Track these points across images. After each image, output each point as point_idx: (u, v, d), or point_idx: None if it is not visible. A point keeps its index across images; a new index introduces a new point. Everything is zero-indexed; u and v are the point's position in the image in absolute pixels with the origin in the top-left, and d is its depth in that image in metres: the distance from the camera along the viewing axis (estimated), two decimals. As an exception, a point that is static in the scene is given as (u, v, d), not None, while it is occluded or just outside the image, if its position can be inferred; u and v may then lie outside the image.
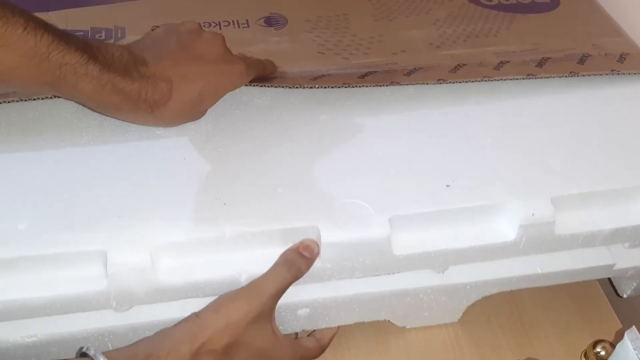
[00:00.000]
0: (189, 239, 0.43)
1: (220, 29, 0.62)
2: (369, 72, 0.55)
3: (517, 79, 0.54)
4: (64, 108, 0.51)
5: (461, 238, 0.46)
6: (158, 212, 0.44)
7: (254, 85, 0.53)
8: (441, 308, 0.51)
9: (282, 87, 0.53)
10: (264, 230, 0.44)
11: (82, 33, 0.61)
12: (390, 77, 0.54)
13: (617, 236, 0.47)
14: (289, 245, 0.44)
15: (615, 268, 0.50)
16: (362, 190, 0.46)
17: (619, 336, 0.42)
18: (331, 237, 0.44)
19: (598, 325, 0.54)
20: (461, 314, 0.52)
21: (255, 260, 0.44)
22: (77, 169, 0.47)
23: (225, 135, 0.50)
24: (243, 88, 0.52)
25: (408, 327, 0.53)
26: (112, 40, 0.60)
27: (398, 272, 0.47)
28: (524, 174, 0.47)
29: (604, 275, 0.52)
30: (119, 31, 0.62)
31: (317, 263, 0.44)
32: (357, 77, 0.54)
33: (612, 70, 0.55)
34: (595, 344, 0.49)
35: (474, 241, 0.46)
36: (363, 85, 0.53)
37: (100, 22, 0.62)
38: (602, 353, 0.48)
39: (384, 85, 0.53)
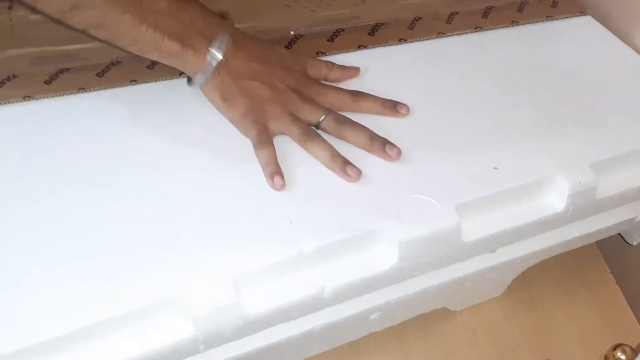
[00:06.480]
0: (266, 263, 0.41)
1: None
2: (337, 30, 0.60)
3: (467, 33, 0.61)
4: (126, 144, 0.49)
5: (518, 216, 0.47)
6: (227, 243, 0.42)
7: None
8: (491, 285, 0.53)
9: None
10: (337, 240, 0.42)
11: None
12: (357, 39, 0.59)
13: (644, 191, 0.51)
14: (364, 251, 0.44)
15: (636, 220, 0.55)
16: (417, 185, 0.46)
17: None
18: (405, 235, 0.43)
19: (619, 330, 0.55)
20: (507, 287, 0.55)
21: (333, 273, 0.43)
22: (129, 209, 0.43)
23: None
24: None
25: (459, 309, 0.54)
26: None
27: (462, 260, 0.48)
28: (558, 146, 0.50)
29: (627, 227, 0.56)
30: None
31: (393, 264, 0.44)
32: (327, 40, 0.59)
33: (547, 17, 0.63)
34: (615, 348, 0.47)
35: (530, 217, 0.47)
36: (336, 53, 0.58)
37: None
38: (623, 357, 0.47)
39: (353, 51, 0.58)
